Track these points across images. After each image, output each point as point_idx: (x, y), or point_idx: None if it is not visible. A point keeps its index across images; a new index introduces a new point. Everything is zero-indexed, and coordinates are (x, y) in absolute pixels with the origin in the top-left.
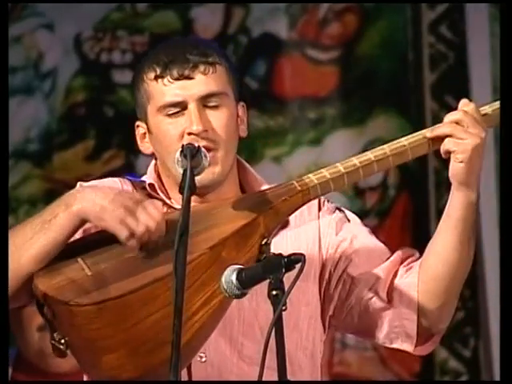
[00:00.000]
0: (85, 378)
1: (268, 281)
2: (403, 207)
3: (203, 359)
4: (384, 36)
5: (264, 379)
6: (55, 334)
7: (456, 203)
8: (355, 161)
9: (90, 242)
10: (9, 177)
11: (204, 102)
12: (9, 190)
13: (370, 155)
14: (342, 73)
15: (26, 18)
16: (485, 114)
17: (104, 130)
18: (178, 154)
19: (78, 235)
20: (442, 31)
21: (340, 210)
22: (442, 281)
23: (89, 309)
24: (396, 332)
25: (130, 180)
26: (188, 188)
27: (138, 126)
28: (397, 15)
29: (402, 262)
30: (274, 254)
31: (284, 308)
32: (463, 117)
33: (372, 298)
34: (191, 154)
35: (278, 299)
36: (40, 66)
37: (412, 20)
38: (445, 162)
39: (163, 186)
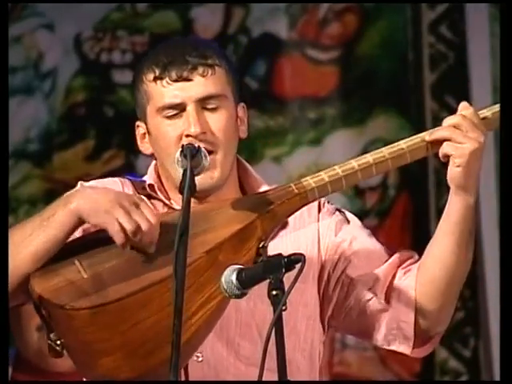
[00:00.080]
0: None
1: (267, 281)
2: (403, 207)
3: (200, 359)
4: (384, 36)
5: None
6: (52, 335)
7: (454, 207)
8: (354, 163)
9: (88, 242)
10: (9, 177)
11: (202, 104)
12: (9, 189)
13: (368, 158)
14: (342, 73)
15: (26, 18)
16: (484, 118)
17: (104, 130)
18: (178, 154)
19: (77, 234)
20: (442, 31)
21: (340, 212)
22: (439, 283)
23: (84, 312)
24: (393, 334)
25: (131, 180)
26: (188, 188)
27: (138, 126)
28: (397, 15)
29: (400, 264)
30: (268, 256)
31: (284, 308)
32: (462, 121)
33: (370, 299)
34: (191, 154)
35: (277, 299)
36: (40, 66)
37: (412, 20)
38: (445, 163)
39: (163, 186)
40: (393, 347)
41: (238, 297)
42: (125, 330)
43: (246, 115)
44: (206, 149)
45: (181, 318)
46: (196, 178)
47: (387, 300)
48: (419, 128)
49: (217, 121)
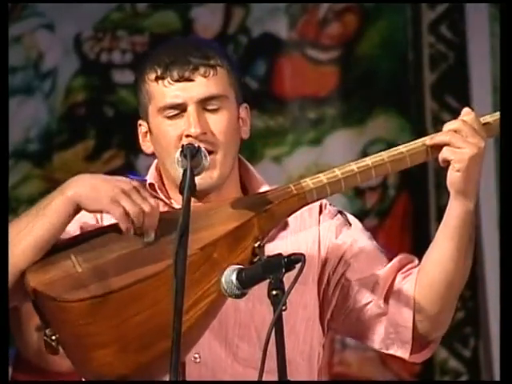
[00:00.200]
0: None
1: (266, 282)
2: (403, 207)
3: (197, 360)
4: (384, 36)
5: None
6: (47, 331)
7: (453, 212)
8: (353, 166)
9: (85, 239)
10: (9, 177)
11: (204, 104)
12: (9, 189)
13: (368, 161)
14: (342, 73)
15: (26, 18)
16: (486, 124)
17: (104, 130)
18: (178, 153)
19: (75, 232)
20: (442, 31)
21: (342, 214)
22: (438, 287)
23: (76, 305)
24: (391, 338)
25: (133, 179)
26: (188, 188)
27: (140, 125)
28: (397, 15)
29: (400, 269)
30: (268, 256)
31: (284, 308)
32: (462, 126)
33: (369, 303)
34: (191, 154)
35: (277, 299)
36: (40, 66)
37: (412, 20)
38: None
39: (163, 185)
40: (391, 351)
41: (238, 297)
42: (117, 323)
43: (249, 116)
44: (206, 149)
45: (181, 318)
46: (196, 178)
47: (386, 304)
48: (419, 128)
49: (218, 121)
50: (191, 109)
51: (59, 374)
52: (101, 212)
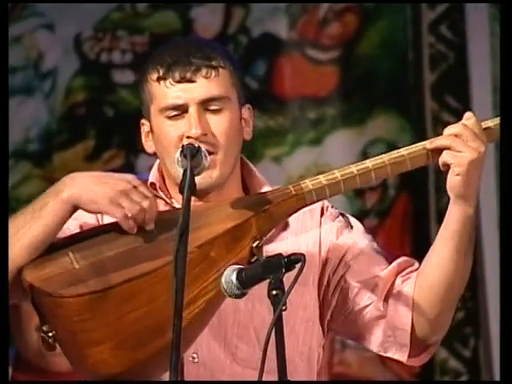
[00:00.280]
0: None
1: (266, 282)
2: (403, 207)
3: (196, 360)
4: (384, 36)
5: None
6: (44, 327)
7: (453, 216)
8: (353, 168)
9: (84, 237)
10: (9, 177)
11: (205, 105)
12: (9, 189)
13: (368, 164)
14: (342, 73)
15: (26, 18)
16: (487, 128)
17: (104, 130)
18: (178, 153)
19: (75, 230)
20: (442, 31)
21: (343, 216)
22: (437, 290)
23: (72, 301)
24: (390, 341)
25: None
26: (188, 188)
27: (142, 124)
28: (397, 15)
29: (400, 272)
30: (268, 256)
31: (284, 308)
32: (463, 130)
33: (368, 306)
34: (191, 154)
35: (277, 299)
36: (40, 66)
37: (412, 20)
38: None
39: (165, 185)
40: (389, 354)
41: (238, 296)
42: (113, 320)
43: (252, 117)
44: (206, 150)
45: (181, 318)
46: (196, 178)
47: (385, 306)
48: (419, 128)
49: (219, 123)
50: (192, 110)
51: (59, 374)
52: (100, 213)
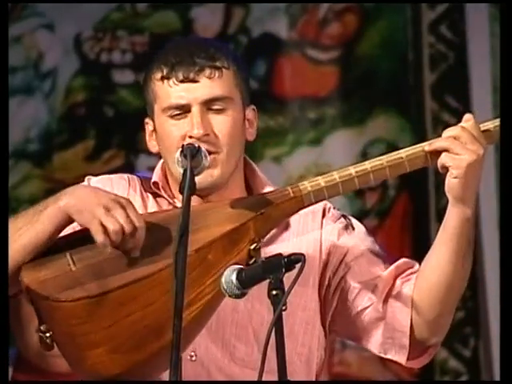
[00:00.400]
0: None
1: (266, 282)
2: (403, 207)
3: (193, 358)
4: (384, 36)
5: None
6: (42, 327)
7: (451, 218)
8: (351, 170)
9: (84, 238)
10: (9, 177)
11: (208, 105)
12: (9, 189)
13: (367, 165)
14: (342, 73)
15: (26, 18)
16: (486, 130)
17: (104, 130)
18: (178, 153)
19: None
20: (442, 31)
21: (345, 218)
22: (437, 292)
23: (69, 305)
24: (389, 343)
25: (139, 177)
26: (188, 188)
27: (147, 123)
28: (397, 15)
29: (400, 273)
30: (268, 256)
31: (284, 308)
32: (461, 132)
33: (368, 307)
34: (191, 154)
35: (277, 299)
36: (40, 66)
37: (412, 20)
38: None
39: (168, 184)
40: (389, 356)
41: (238, 296)
42: (109, 324)
43: (256, 117)
44: (208, 150)
45: (181, 319)
46: (196, 178)
47: (384, 309)
48: (419, 128)
49: (221, 123)
50: (195, 110)
51: (59, 374)
52: (83, 224)
